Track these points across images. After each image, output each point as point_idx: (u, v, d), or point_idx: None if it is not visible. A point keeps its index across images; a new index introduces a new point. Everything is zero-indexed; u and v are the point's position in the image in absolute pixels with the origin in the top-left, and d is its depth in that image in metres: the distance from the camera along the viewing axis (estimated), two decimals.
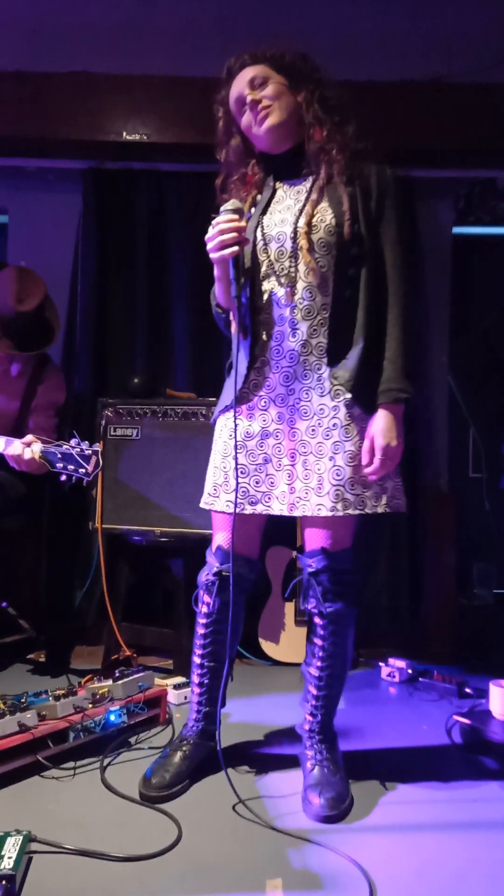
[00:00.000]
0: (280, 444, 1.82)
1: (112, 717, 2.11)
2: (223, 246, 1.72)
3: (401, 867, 1.55)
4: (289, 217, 1.80)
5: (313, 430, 1.79)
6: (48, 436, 2.45)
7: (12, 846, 1.49)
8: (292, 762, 2.01)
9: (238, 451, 1.82)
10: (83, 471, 2.16)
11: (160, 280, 3.38)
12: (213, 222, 1.74)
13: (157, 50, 3.25)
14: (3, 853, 1.46)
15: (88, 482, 2.21)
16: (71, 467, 2.17)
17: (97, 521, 2.82)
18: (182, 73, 3.13)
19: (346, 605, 1.84)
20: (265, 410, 1.83)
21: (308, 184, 1.84)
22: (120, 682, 2.20)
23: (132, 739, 2.17)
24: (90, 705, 2.09)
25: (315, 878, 1.51)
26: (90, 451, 2.16)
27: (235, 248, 1.72)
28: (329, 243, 1.75)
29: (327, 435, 1.77)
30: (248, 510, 1.83)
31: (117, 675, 2.27)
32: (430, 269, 3.49)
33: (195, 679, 2.00)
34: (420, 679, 2.81)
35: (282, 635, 2.98)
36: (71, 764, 1.99)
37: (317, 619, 1.87)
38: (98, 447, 2.17)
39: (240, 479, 1.83)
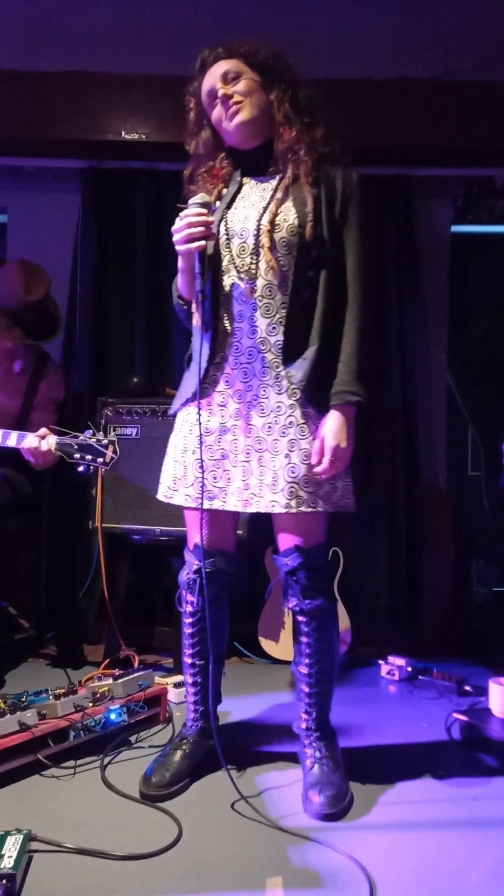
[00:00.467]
0: (237, 439, 1.82)
1: (112, 716, 2.11)
2: (191, 239, 1.73)
3: (401, 865, 1.56)
4: (253, 214, 1.81)
5: (269, 427, 1.79)
6: (50, 431, 2.45)
7: (12, 845, 1.49)
8: (292, 760, 2.01)
9: (197, 446, 1.83)
10: (101, 460, 2.19)
11: (159, 279, 3.37)
12: (182, 214, 1.74)
13: (155, 49, 3.24)
14: (3, 852, 1.46)
15: (106, 470, 2.25)
16: (89, 457, 2.20)
17: (97, 521, 2.82)
18: (180, 73, 3.09)
19: (326, 600, 1.86)
20: (223, 406, 1.84)
21: (274, 182, 1.85)
22: (120, 680, 2.21)
23: (132, 738, 2.18)
24: (90, 704, 2.09)
25: (315, 876, 1.51)
26: (106, 441, 2.20)
27: (203, 242, 1.73)
28: (290, 243, 1.77)
29: (283, 432, 1.78)
30: (206, 505, 1.84)
31: (117, 673, 2.27)
32: (428, 268, 3.49)
33: (188, 679, 2.01)
34: (420, 677, 2.82)
35: (281, 634, 2.98)
36: (71, 763, 1.99)
37: (299, 617, 1.88)
38: (113, 437, 2.20)
39: (196, 474, 1.84)
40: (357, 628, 2.99)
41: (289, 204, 1.79)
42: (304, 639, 1.88)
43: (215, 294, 1.83)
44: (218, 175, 1.92)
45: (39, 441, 2.27)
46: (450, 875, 1.52)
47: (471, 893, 1.47)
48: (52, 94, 3.16)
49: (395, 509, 3.34)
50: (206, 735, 1.98)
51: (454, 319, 3.56)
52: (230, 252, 1.81)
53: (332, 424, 1.74)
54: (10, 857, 1.45)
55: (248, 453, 1.81)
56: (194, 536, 1.94)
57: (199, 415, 1.80)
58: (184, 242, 1.74)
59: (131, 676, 2.25)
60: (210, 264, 1.80)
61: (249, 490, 1.80)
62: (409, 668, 2.87)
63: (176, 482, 1.89)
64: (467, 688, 2.67)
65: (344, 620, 2.95)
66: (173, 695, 2.49)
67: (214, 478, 1.83)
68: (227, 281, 1.82)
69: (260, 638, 3.02)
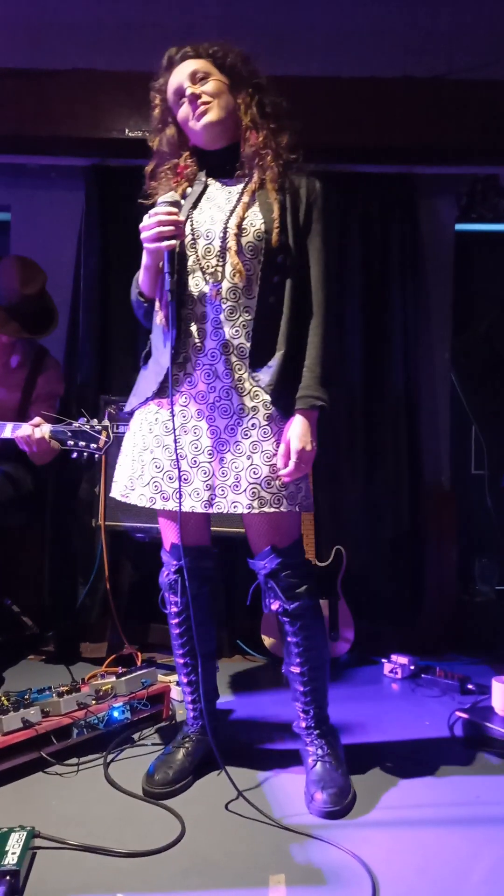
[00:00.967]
0: (198, 440, 1.81)
1: (115, 714, 2.11)
2: (161, 237, 1.73)
3: (403, 863, 1.56)
4: (219, 216, 1.81)
5: (232, 428, 1.79)
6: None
7: (16, 842, 1.50)
8: (294, 758, 2.02)
9: (156, 445, 1.83)
10: (94, 446, 2.18)
11: None
12: (152, 212, 1.74)
13: (158, 47, 3.21)
14: (6, 849, 1.47)
15: (99, 456, 2.23)
16: (82, 443, 2.19)
17: (100, 518, 2.82)
18: None
19: (310, 597, 1.86)
20: (185, 406, 1.83)
21: (240, 186, 1.85)
22: (123, 678, 2.21)
23: (135, 736, 2.18)
24: (93, 702, 2.09)
25: (318, 873, 1.51)
26: (100, 427, 2.19)
27: (173, 242, 1.73)
28: (257, 248, 1.77)
29: (246, 434, 1.78)
30: (160, 505, 1.82)
31: (121, 671, 2.27)
32: (432, 267, 3.49)
33: (183, 679, 2.02)
34: (422, 675, 2.81)
35: None
36: (74, 760, 2.00)
37: (283, 619, 1.88)
38: (107, 423, 2.19)
39: (154, 474, 1.83)
40: (360, 626, 2.99)
41: (255, 209, 1.80)
42: (291, 639, 1.89)
43: (180, 294, 1.83)
44: (182, 174, 1.91)
45: (33, 429, 2.27)
46: (452, 873, 1.53)
47: (473, 891, 1.47)
48: (56, 92, 3.16)
49: (398, 508, 3.34)
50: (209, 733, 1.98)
51: (458, 318, 3.55)
52: (195, 253, 1.80)
53: (298, 428, 1.75)
54: (13, 853, 1.46)
55: (210, 454, 1.80)
56: (170, 536, 1.95)
57: (173, 412, 1.78)
58: (153, 240, 1.74)
59: (134, 674, 2.25)
60: (178, 264, 1.81)
61: (212, 491, 1.79)
62: (412, 667, 2.87)
63: (132, 481, 1.87)
64: (470, 686, 2.67)
65: (347, 619, 2.95)
66: (176, 692, 2.49)
67: (170, 478, 1.81)
68: (192, 282, 1.81)
69: (262, 636, 3.02)
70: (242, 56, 1.86)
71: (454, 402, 3.57)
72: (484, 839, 1.66)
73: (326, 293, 1.83)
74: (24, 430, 2.29)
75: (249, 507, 1.74)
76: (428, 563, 3.35)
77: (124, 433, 2.79)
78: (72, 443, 2.20)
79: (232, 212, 1.80)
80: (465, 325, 3.65)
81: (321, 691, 1.93)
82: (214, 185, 1.88)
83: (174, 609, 1.98)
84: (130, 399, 1.97)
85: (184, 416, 1.83)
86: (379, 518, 3.34)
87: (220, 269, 1.79)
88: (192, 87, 1.81)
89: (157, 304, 1.87)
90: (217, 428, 1.80)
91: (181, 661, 2.01)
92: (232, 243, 1.76)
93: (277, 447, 1.77)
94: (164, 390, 1.84)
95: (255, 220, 1.78)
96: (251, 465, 1.76)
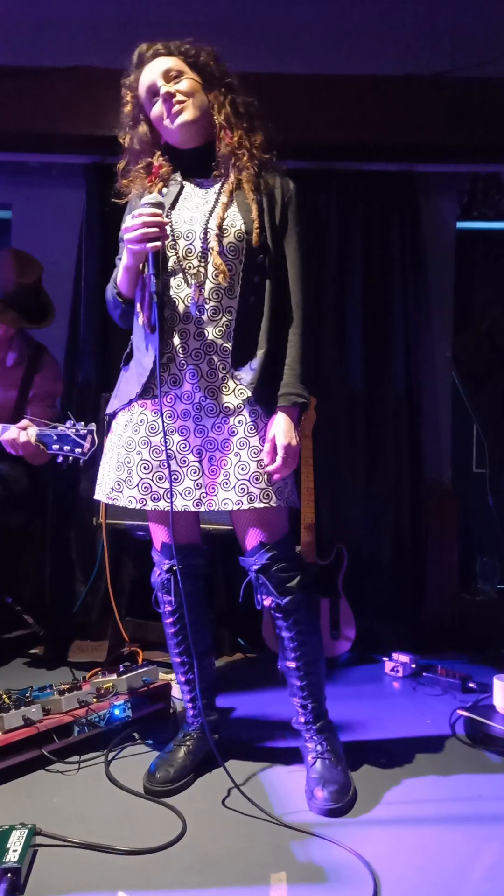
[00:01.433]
0: (185, 440, 1.82)
1: (116, 712, 2.11)
2: (146, 238, 1.72)
3: (405, 861, 1.56)
4: (198, 217, 1.81)
5: (219, 427, 1.81)
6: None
7: (17, 839, 1.50)
8: (295, 755, 2.01)
9: (143, 446, 1.83)
10: (79, 450, 2.16)
11: None
12: (136, 213, 1.73)
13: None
14: (8, 846, 1.47)
15: (85, 461, 2.20)
16: (67, 448, 2.17)
17: (101, 517, 2.82)
18: None
19: (301, 590, 1.85)
20: (171, 406, 1.83)
21: (217, 186, 1.85)
22: (124, 676, 2.21)
23: (136, 734, 2.18)
24: (95, 700, 2.10)
25: (319, 871, 1.51)
26: (85, 431, 2.16)
27: (158, 243, 1.72)
28: (238, 248, 1.78)
29: (233, 431, 1.79)
30: (150, 506, 1.83)
31: (122, 669, 2.27)
32: (433, 265, 3.49)
33: (181, 678, 2.03)
34: (424, 673, 2.81)
35: None
36: (75, 758, 2.00)
37: (276, 614, 1.87)
38: (93, 426, 2.17)
39: (142, 475, 1.83)
40: (361, 625, 2.99)
41: (234, 209, 1.80)
42: (284, 634, 1.88)
43: (163, 295, 1.83)
44: (156, 173, 1.90)
45: (19, 432, 2.26)
46: (453, 871, 1.52)
47: (474, 889, 1.47)
48: (56, 90, 3.16)
49: (399, 506, 3.34)
50: (209, 730, 1.98)
51: (459, 315, 3.55)
52: (176, 254, 1.81)
53: (282, 424, 1.77)
54: (14, 850, 1.46)
55: (199, 453, 1.81)
56: (160, 536, 1.95)
57: (162, 413, 1.79)
58: (138, 242, 1.73)
59: (135, 672, 2.26)
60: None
61: (201, 489, 1.80)
62: (414, 665, 2.86)
63: (119, 484, 1.86)
64: (472, 684, 2.67)
65: (348, 617, 2.95)
66: (177, 690, 2.48)
67: (160, 478, 1.82)
68: (175, 283, 1.81)
69: (264, 634, 3.02)
70: (214, 55, 1.87)
71: (455, 401, 3.57)
72: (485, 837, 1.66)
73: (303, 293, 1.86)
74: (11, 433, 2.28)
75: (239, 504, 1.75)
76: (429, 562, 3.35)
77: None
78: (56, 447, 2.18)
79: (211, 212, 1.80)
80: (467, 323, 3.65)
81: (318, 685, 1.92)
82: (190, 186, 1.88)
83: (168, 608, 1.98)
84: (112, 401, 1.97)
85: (171, 417, 1.83)
86: (380, 517, 3.35)
87: (202, 269, 1.79)
88: (166, 85, 1.81)
89: (137, 305, 1.87)
90: (204, 427, 1.81)
91: (178, 659, 2.01)
92: (214, 244, 1.77)
93: (263, 443, 1.78)
94: (148, 391, 1.84)
95: (236, 221, 1.78)
96: (239, 461, 1.77)
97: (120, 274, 1.87)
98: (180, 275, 1.81)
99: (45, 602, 3.16)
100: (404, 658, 2.87)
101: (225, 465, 1.78)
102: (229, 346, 1.80)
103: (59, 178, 3.44)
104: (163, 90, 1.80)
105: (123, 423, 1.90)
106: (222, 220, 1.78)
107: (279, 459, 1.74)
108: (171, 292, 1.81)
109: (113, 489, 1.88)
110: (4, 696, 2.00)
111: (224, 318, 1.79)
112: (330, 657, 2.87)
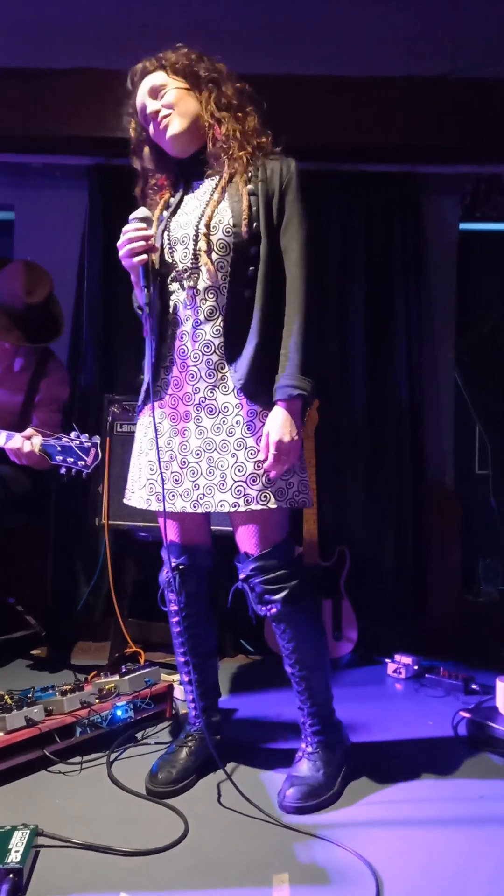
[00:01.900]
0: (186, 441, 1.82)
1: (118, 713, 2.11)
2: (133, 253, 1.77)
3: (407, 862, 1.55)
4: (192, 219, 1.82)
5: (218, 427, 1.79)
6: (52, 431, 2.44)
7: (19, 840, 1.50)
8: None
9: (149, 448, 1.88)
10: (82, 463, 2.16)
11: None
12: (123, 230, 1.78)
13: (161, 46, 3.21)
14: (10, 847, 1.47)
15: (88, 474, 2.21)
16: (70, 460, 2.17)
17: (104, 518, 2.82)
18: None
19: (288, 601, 1.79)
20: (174, 408, 1.85)
21: (212, 184, 1.85)
22: (126, 677, 2.21)
23: (138, 735, 2.18)
24: (97, 700, 2.10)
25: (322, 872, 1.51)
26: (89, 444, 2.17)
27: (144, 257, 1.77)
28: (227, 244, 1.77)
29: (231, 432, 1.77)
30: (155, 506, 1.85)
31: (124, 670, 2.27)
32: (435, 266, 3.49)
33: (184, 678, 2.02)
34: (426, 675, 2.81)
35: None
36: (78, 759, 2.00)
37: (270, 621, 1.87)
38: (97, 439, 2.18)
39: (148, 476, 1.87)
40: (363, 626, 2.98)
41: (224, 204, 1.79)
42: (279, 640, 1.88)
43: (164, 300, 1.85)
44: (164, 186, 1.94)
45: (23, 442, 2.26)
46: (456, 872, 1.52)
47: (477, 891, 1.46)
48: (59, 91, 3.17)
49: (401, 507, 3.34)
50: (211, 732, 1.98)
51: (461, 317, 3.55)
52: (174, 259, 1.82)
53: (277, 419, 1.72)
54: (17, 851, 1.46)
55: (198, 454, 1.81)
56: (168, 534, 1.96)
57: (154, 417, 1.82)
58: (127, 257, 1.78)
59: (137, 673, 2.25)
60: (157, 274, 1.84)
61: (199, 491, 1.79)
62: (416, 667, 2.86)
63: (132, 484, 1.95)
64: (474, 686, 2.67)
65: (350, 619, 2.95)
66: (179, 691, 2.49)
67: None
68: (173, 287, 1.84)
69: (266, 635, 3.02)
70: (195, 55, 1.87)
71: (458, 402, 3.57)
72: (488, 839, 1.66)
73: (304, 280, 1.77)
74: (15, 441, 2.29)
75: (235, 506, 1.74)
76: (431, 563, 3.35)
77: (127, 432, 2.83)
78: (60, 458, 2.19)
79: (202, 213, 1.81)
80: (469, 325, 3.64)
81: (315, 690, 1.90)
82: (191, 190, 1.90)
83: (173, 607, 1.98)
84: (139, 406, 2.01)
85: (174, 419, 1.85)
86: (382, 518, 3.34)
87: (196, 271, 1.80)
88: (153, 103, 1.84)
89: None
90: (204, 428, 1.81)
91: (182, 659, 2.01)
92: (203, 244, 1.77)
93: (260, 443, 1.75)
94: (153, 394, 1.87)
95: (224, 216, 1.77)
96: (236, 462, 1.75)
97: (135, 288, 1.90)
98: (179, 279, 1.82)
99: (47, 603, 3.16)
100: (406, 659, 2.87)
101: (222, 466, 1.77)
102: (223, 343, 1.80)
103: (62, 179, 3.44)
104: (149, 110, 1.84)
105: (139, 426, 1.97)
106: (210, 218, 1.78)
107: (270, 457, 1.70)
108: (171, 298, 1.84)
109: (128, 489, 1.97)
110: (7, 696, 2.00)
111: (220, 316, 1.79)
112: (332, 658, 2.87)
